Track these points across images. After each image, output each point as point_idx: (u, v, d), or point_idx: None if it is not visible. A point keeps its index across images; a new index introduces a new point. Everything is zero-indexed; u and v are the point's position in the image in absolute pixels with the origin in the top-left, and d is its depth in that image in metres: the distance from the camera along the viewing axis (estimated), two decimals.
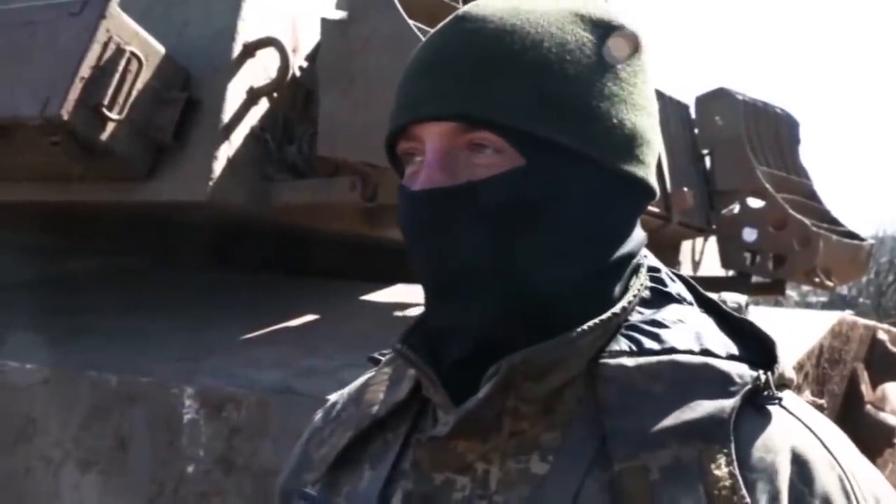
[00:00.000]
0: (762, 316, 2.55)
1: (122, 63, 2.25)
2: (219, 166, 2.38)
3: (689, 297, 0.86)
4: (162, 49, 2.36)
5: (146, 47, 2.32)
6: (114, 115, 2.25)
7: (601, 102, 0.78)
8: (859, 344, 2.95)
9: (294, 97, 2.54)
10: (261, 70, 2.48)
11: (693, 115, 4.16)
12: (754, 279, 4.13)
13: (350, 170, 2.36)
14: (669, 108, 4.02)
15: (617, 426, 0.75)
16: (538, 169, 0.76)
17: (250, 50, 2.46)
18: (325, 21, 2.30)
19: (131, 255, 3.09)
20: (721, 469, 0.72)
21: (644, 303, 0.82)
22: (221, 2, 2.50)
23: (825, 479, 0.74)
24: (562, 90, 0.77)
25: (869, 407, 2.88)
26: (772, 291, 4.38)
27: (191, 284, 2.86)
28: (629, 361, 0.78)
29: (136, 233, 3.01)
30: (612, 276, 0.81)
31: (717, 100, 4.06)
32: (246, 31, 2.46)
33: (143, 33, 2.33)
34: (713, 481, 0.72)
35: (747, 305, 2.23)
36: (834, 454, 0.76)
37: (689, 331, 0.80)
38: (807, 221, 3.84)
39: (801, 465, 0.74)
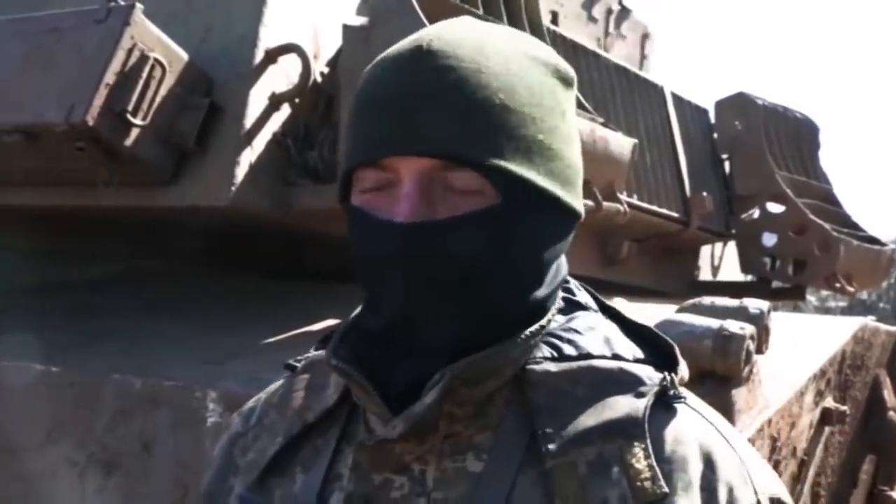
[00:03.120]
0: (785, 322, 2.54)
1: (146, 69, 2.27)
2: (241, 171, 2.39)
3: (593, 304, 0.94)
4: (185, 55, 2.38)
5: (170, 54, 2.34)
6: (138, 121, 2.27)
7: (559, 143, 0.85)
8: (882, 350, 2.93)
9: (315, 103, 2.55)
10: (282, 76, 2.50)
11: (712, 119, 4.15)
12: (774, 284, 4.11)
13: None
14: (689, 112, 4.02)
15: (545, 426, 0.82)
16: (513, 205, 0.82)
17: (272, 56, 2.48)
18: (346, 27, 2.32)
19: (154, 259, 3.12)
20: (641, 462, 0.80)
21: (558, 311, 0.90)
22: (243, 8, 2.52)
23: (728, 465, 0.83)
24: (531, 132, 0.83)
25: (892, 413, 2.86)
26: (792, 297, 4.37)
27: (213, 289, 2.88)
28: (553, 367, 0.85)
29: (158, 237, 3.03)
30: (550, 294, 0.89)
31: (736, 104, 4.05)
32: (268, 38, 2.48)
33: (167, 40, 2.35)
34: (635, 474, 0.80)
35: (769, 311, 2.23)
36: (732, 444, 0.86)
37: (599, 337, 0.88)
38: (827, 226, 3.82)
39: (707, 455, 0.83)
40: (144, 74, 2.27)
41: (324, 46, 2.59)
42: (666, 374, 0.86)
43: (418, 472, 0.85)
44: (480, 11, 2.62)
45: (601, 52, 3.69)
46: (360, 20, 2.31)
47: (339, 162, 2.36)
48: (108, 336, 2.51)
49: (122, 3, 2.28)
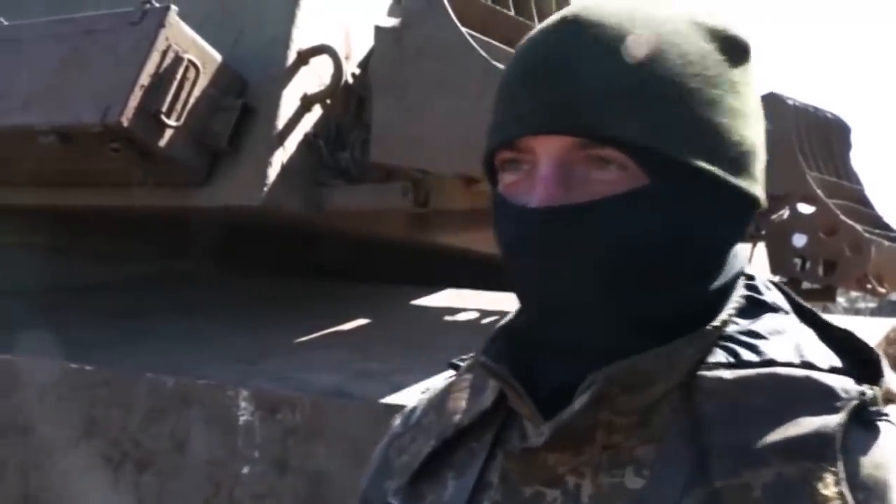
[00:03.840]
0: None
1: (181, 71, 2.29)
2: (273, 172, 2.41)
3: (785, 306, 0.82)
4: (219, 57, 2.40)
5: (203, 55, 2.36)
6: (172, 122, 2.30)
7: (723, 118, 0.75)
8: None
9: (347, 104, 2.56)
10: (314, 77, 2.51)
11: None
12: (804, 285, 4.09)
13: (402, 175, 2.38)
14: None
15: (717, 441, 0.72)
16: (662, 189, 0.73)
17: (304, 57, 2.49)
18: (378, 28, 2.33)
19: (187, 260, 3.14)
20: (829, 488, 0.69)
21: (740, 312, 0.79)
22: (276, 10, 2.54)
23: None
24: (686, 106, 0.74)
25: None
26: (822, 298, 4.33)
27: (245, 289, 2.91)
28: (728, 374, 0.75)
29: (191, 238, 3.06)
30: (720, 290, 0.79)
31: (767, 104, 3.96)
32: (300, 39, 2.49)
33: (201, 41, 2.37)
34: (821, 501, 0.69)
35: None
36: None
37: (788, 342, 0.77)
38: (858, 227, 3.79)
39: None
40: (179, 76, 2.29)
41: (355, 48, 2.61)
42: (866, 387, 0.73)
43: (573, 486, 0.76)
44: (511, 12, 2.63)
45: None
46: (392, 21, 2.32)
47: (370, 162, 2.38)
48: (141, 335, 2.54)
49: (157, 5, 2.30)
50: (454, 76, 2.13)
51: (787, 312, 0.81)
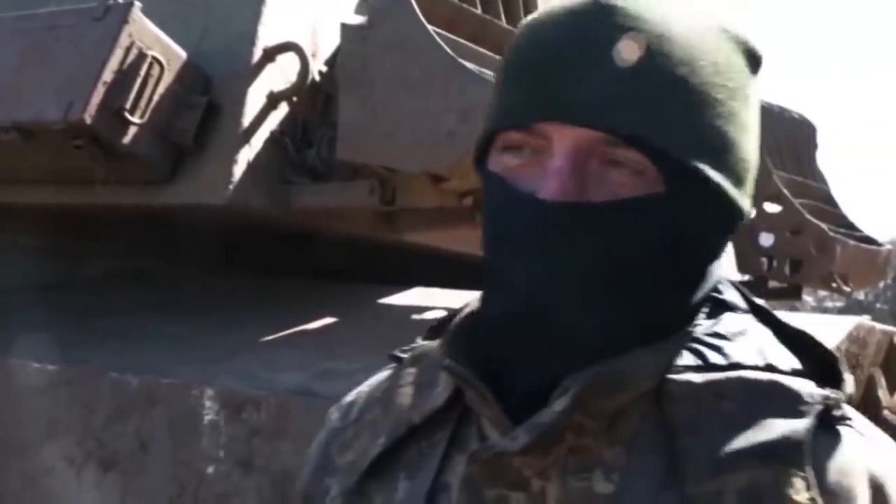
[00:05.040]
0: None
1: (145, 67, 2.27)
2: (239, 170, 2.40)
3: (743, 304, 0.82)
4: (183, 54, 2.38)
5: (168, 52, 2.34)
6: (136, 119, 2.27)
7: (736, 131, 0.74)
8: (877, 349, 2.94)
9: (313, 101, 2.55)
10: (280, 75, 2.50)
11: None
12: (771, 284, 4.12)
13: (368, 173, 2.37)
14: None
15: (689, 447, 0.72)
16: (676, 196, 0.72)
17: (270, 55, 2.48)
18: (344, 26, 2.32)
19: (149, 258, 3.12)
20: (800, 494, 0.69)
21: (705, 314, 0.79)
22: (242, 7, 2.52)
23: None
24: (709, 114, 0.72)
25: (886, 412, 2.87)
26: (788, 296, 4.37)
27: (209, 287, 2.89)
28: (696, 377, 0.74)
29: (156, 236, 3.03)
30: (702, 300, 0.79)
31: None
32: (266, 36, 2.48)
33: (165, 38, 2.35)
34: None
35: None
36: None
37: (751, 344, 0.77)
38: (824, 226, 3.83)
39: (877, 489, 0.72)
40: (143, 72, 2.27)
41: (322, 45, 2.60)
42: (830, 391, 0.74)
43: (538, 490, 0.74)
44: (478, 10, 2.63)
45: None
46: (359, 19, 2.31)
47: (337, 160, 2.37)
48: (105, 334, 2.51)
49: (121, 1, 2.28)
50: (421, 74, 2.12)
51: (745, 311, 0.81)
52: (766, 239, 3.92)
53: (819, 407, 0.73)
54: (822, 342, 0.79)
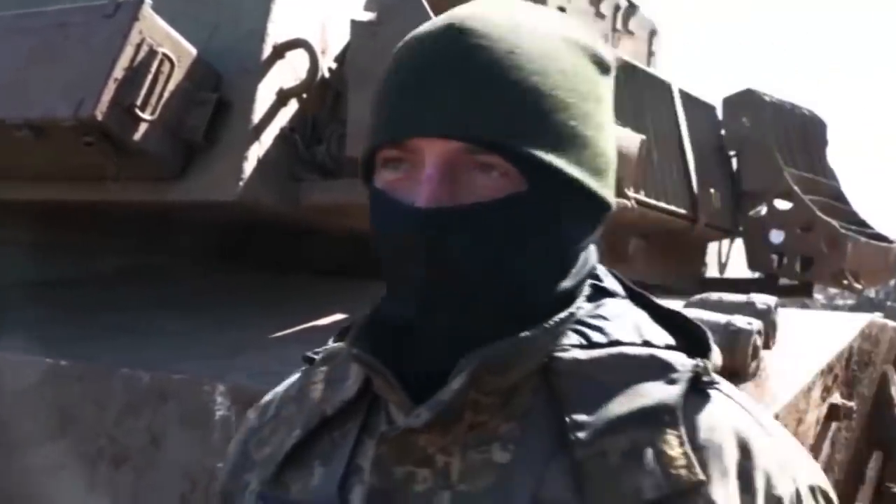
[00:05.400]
0: (792, 318, 2.54)
1: (155, 64, 2.28)
2: (249, 166, 2.40)
3: (621, 291, 0.92)
4: (193, 51, 2.39)
5: (178, 49, 2.35)
6: (146, 116, 2.28)
7: (591, 130, 0.83)
8: (889, 346, 2.93)
9: (323, 98, 2.56)
10: (290, 71, 2.50)
11: (720, 116, 4.15)
12: (781, 281, 4.11)
13: None
14: (696, 109, 4.01)
15: (574, 416, 0.80)
16: (539, 193, 0.80)
17: (280, 51, 2.48)
18: (354, 23, 2.32)
19: (162, 255, 3.13)
20: (675, 450, 0.78)
21: (586, 298, 0.88)
22: (252, 4, 2.53)
23: (765, 453, 0.82)
24: (562, 117, 0.80)
25: None
26: (799, 294, 4.36)
27: (221, 283, 2.89)
28: (581, 354, 0.83)
29: (166, 232, 3.04)
30: (579, 283, 0.88)
31: (744, 101, 4.05)
32: (276, 33, 2.48)
33: (175, 35, 2.35)
34: (669, 461, 0.78)
35: (776, 307, 2.23)
36: (769, 432, 0.84)
37: (629, 323, 0.86)
38: (835, 223, 3.82)
39: (743, 443, 0.81)
40: (153, 69, 2.27)
41: (331, 42, 2.60)
42: (699, 360, 0.84)
43: (442, 465, 0.81)
44: None
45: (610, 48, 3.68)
46: (368, 16, 2.31)
47: (347, 157, 2.37)
48: (116, 330, 2.52)
49: None
50: None
51: (623, 297, 0.91)
52: (777, 236, 3.91)
53: (689, 374, 0.82)
54: (693, 320, 0.89)
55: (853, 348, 2.62)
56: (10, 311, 2.64)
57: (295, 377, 0.97)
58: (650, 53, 4.83)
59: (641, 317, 0.88)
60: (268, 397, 0.98)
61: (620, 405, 0.80)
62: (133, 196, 2.51)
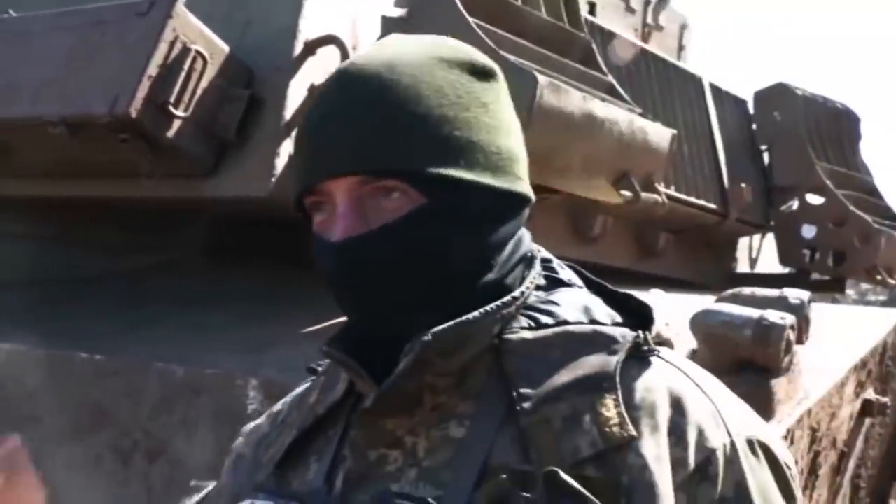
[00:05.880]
0: (825, 312, 2.52)
1: (188, 61, 2.30)
2: (280, 163, 2.42)
3: (578, 281, 0.98)
4: (226, 48, 2.41)
5: (211, 46, 2.37)
6: (180, 113, 2.30)
7: (481, 134, 0.90)
8: None
9: None
10: (321, 68, 2.51)
11: (751, 110, 4.12)
12: (813, 277, 4.08)
13: None
14: (727, 103, 3.99)
15: (521, 389, 0.88)
16: (438, 202, 0.88)
17: (311, 48, 2.49)
18: (385, 19, 2.33)
19: (195, 250, 3.15)
20: (610, 410, 0.85)
21: (540, 288, 0.95)
22: (283, 1, 2.54)
23: (697, 409, 0.87)
24: (445, 131, 0.88)
25: None
26: (831, 289, 4.33)
27: (253, 279, 2.91)
28: (528, 335, 0.91)
29: (199, 228, 3.06)
30: (509, 272, 0.94)
31: (776, 95, 4.02)
32: (307, 30, 2.49)
33: (208, 32, 2.37)
34: (604, 421, 0.85)
35: (809, 302, 2.22)
36: (704, 391, 0.89)
37: (578, 306, 0.93)
38: (868, 218, 3.79)
39: (676, 400, 0.87)
40: (186, 66, 2.29)
41: (362, 38, 2.61)
42: (640, 332, 0.91)
43: (411, 445, 0.90)
44: (519, 3, 2.63)
45: (639, 42, 3.68)
46: (399, 12, 2.32)
47: None
48: (150, 325, 2.55)
49: None
50: None
51: (580, 287, 0.97)
52: (809, 231, 3.88)
53: (629, 344, 0.89)
54: (644, 301, 0.94)
55: (887, 344, 2.60)
56: (43, 307, 2.67)
57: (302, 387, 1.07)
58: (681, 47, 4.81)
59: (593, 301, 0.95)
60: (278, 406, 1.09)
61: (563, 377, 0.88)
62: (166, 193, 2.53)
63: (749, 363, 1.96)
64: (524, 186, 0.94)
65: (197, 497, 1.38)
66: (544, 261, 0.98)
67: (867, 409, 2.41)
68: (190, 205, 2.69)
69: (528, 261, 0.96)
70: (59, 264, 3.04)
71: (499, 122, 0.92)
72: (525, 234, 0.97)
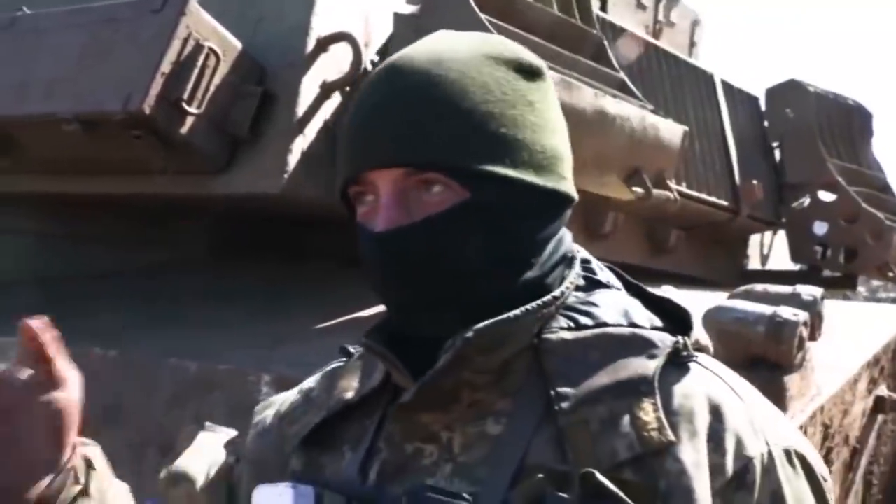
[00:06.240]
0: (838, 309, 2.52)
1: (201, 58, 2.30)
2: (293, 159, 2.42)
3: (617, 283, 0.99)
4: (239, 45, 2.41)
5: (224, 43, 2.37)
6: (193, 110, 2.31)
7: (524, 133, 0.91)
8: None
9: None
10: (334, 64, 2.52)
11: (763, 107, 4.12)
12: (825, 273, 4.07)
13: None
14: (739, 100, 3.98)
15: (560, 389, 0.88)
16: (481, 198, 0.88)
17: (323, 45, 2.50)
18: (397, 15, 2.33)
19: (207, 246, 3.16)
20: (649, 415, 0.85)
21: (579, 289, 0.95)
22: None
23: (736, 417, 0.87)
24: (490, 127, 0.89)
25: None
26: (842, 286, 4.32)
27: (265, 275, 2.92)
28: (568, 335, 0.91)
29: (212, 224, 3.07)
30: (550, 271, 0.94)
31: (787, 91, 4.01)
32: (319, 26, 2.50)
33: (221, 29, 2.38)
34: (642, 425, 0.85)
35: (822, 298, 2.21)
36: (743, 398, 0.90)
37: (617, 309, 0.93)
38: (880, 215, 3.78)
39: (715, 407, 0.87)
40: (199, 63, 2.30)
41: (374, 35, 2.61)
42: (679, 337, 0.91)
43: (446, 440, 0.90)
44: None
45: (650, 38, 3.67)
46: (411, 8, 2.32)
47: None
48: (162, 321, 2.56)
49: None
50: None
51: (618, 289, 0.98)
52: (821, 227, 3.87)
53: (668, 349, 0.89)
54: (680, 304, 0.95)
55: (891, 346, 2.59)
56: (56, 304, 2.68)
57: (332, 366, 1.06)
58: (692, 44, 4.80)
59: (632, 304, 0.95)
60: (309, 383, 1.07)
61: (602, 378, 0.88)
62: (179, 189, 2.54)
63: (762, 359, 1.96)
64: (568, 186, 0.94)
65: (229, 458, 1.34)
66: (583, 261, 0.98)
67: (879, 405, 2.40)
68: (202, 201, 2.70)
69: (568, 261, 0.97)
70: (71, 261, 3.06)
71: (544, 120, 0.93)
72: (566, 234, 0.97)
